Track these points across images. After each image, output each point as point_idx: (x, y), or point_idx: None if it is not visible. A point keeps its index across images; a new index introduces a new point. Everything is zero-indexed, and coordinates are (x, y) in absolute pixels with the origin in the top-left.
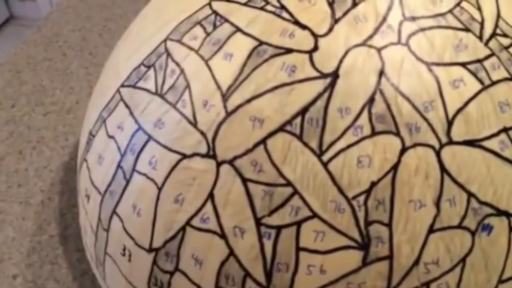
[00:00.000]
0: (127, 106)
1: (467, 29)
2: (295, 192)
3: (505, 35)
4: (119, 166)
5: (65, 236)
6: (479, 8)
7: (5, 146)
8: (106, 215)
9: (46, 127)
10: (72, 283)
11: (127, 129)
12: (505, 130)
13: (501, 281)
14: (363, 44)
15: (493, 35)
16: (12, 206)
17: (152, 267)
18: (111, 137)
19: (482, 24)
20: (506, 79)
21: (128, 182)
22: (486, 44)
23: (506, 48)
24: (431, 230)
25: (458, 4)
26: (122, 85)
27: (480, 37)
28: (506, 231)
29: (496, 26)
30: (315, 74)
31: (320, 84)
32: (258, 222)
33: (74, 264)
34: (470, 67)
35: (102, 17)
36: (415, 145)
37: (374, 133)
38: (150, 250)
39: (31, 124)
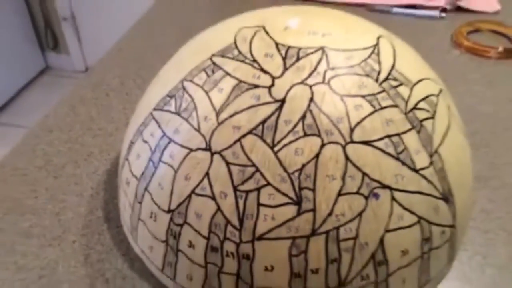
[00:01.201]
0: (157, 122)
1: (367, 75)
2: (257, 170)
3: (395, 79)
4: (150, 159)
5: (108, 217)
6: (379, 62)
7: (65, 158)
8: (141, 192)
9: (94, 145)
10: (113, 247)
11: (156, 136)
12: (388, 136)
13: (387, 230)
14: (301, 83)
15: (386, 79)
16: (71, 198)
17: (169, 222)
18: (146, 141)
19: (379, 72)
20: (391, 106)
21: (156, 169)
22: (380, 84)
23: (395, 87)
24: (339, 194)
25: (364, 60)
26: (154, 109)
27: (376, 80)
28: (389, 198)
29: (389, 73)
30: (271, 100)
31: (274, 106)
32: (235, 189)
33: (114, 235)
34: (367, 98)
35: (136, 67)
36: (330, 143)
37: (305, 135)
38: (168, 211)
39: (84, 143)
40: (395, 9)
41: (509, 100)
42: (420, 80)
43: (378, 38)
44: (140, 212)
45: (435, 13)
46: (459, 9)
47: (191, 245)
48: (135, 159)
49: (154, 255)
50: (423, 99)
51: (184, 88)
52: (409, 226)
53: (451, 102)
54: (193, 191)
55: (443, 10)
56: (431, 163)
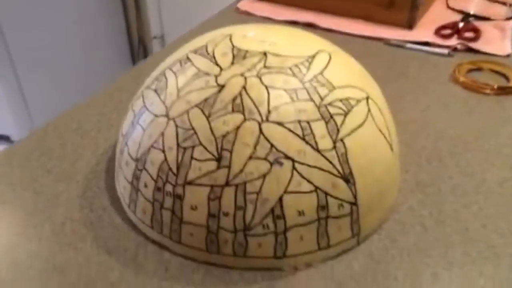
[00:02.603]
0: (143, 97)
1: (294, 75)
2: (195, 133)
3: (318, 81)
4: (132, 122)
5: (108, 188)
6: (308, 68)
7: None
8: (123, 146)
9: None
10: (110, 207)
11: (139, 106)
12: (298, 121)
13: (286, 192)
14: (240, 74)
15: (310, 80)
16: (81, 176)
17: (135, 168)
18: (133, 110)
19: (304, 75)
20: (307, 100)
21: (133, 129)
22: (303, 84)
23: (315, 87)
24: (250, 157)
25: (295, 65)
26: (145, 88)
27: (300, 80)
28: (290, 167)
29: (315, 77)
30: (215, 85)
31: (216, 89)
32: (178, 145)
33: (114, 198)
34: (288, 91)
35: None
36: (250, 119)
37: (232, 111)
38: (135, 160)
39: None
40: (409, 45)
41: (476, 128)
42: (345, 87)
43: (318, 51)
44: (121, 161)
45: (445, 51)
46: (469, 49)
47: (145, 185)
48: (124, 122)
49: (125, 194)
50: (340, 100)
51: (164, 74)
52: (306, 192)
53: (381, 110)
54: (151, 145)
55: (454, 49)
56: (334, 148)
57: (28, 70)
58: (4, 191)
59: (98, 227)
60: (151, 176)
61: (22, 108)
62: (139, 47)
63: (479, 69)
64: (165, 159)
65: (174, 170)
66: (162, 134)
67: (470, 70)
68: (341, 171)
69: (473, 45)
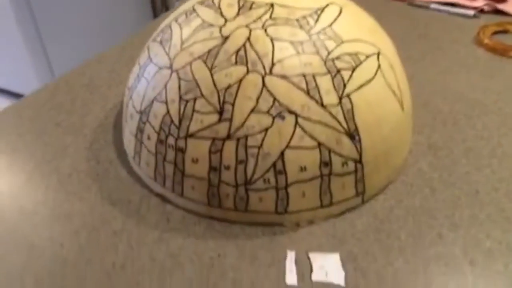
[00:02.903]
0: (148, 49)
1: (301, 28)
2: (197, 85)
3: (325, 34)
4: (137, 75)
5: (115, 142)
6: (316, 20)
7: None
8: (128, 100)
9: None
10: (116, 160)
11: (144, 59)
12: (303, 75)
13: (288, 147)
14: (245, 26)
15: (318, 33)
16: (89, 130)
17: (139, 121)
18: (139, 64)
19: (312, 27)
20: (313, 53)
21: (138, 82)
22: (310, 36)
23: (322, 40)
24: (252, 111)
25: (303, 17)
26: (151, 41)
27: (307, 32)
28: (293, 121)
29: (323, 30)
30: (219, 36)
31: (220, 40)
32: (180, 98)
33: (120, 151)
34: (294, 44)
35: None
36: (253, 72)
37: (236, 63)
38: (139, 112)
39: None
40: (433, 5)
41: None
42: (354, 41)
43: (328, 4)
44: (126, 115)
45: (471, 12)
46: (497, 11)
47: (149, 138)
48: (131, 75)
49: (130, 147)
50: (348, 54)
51: (170, 25)
52: (309, 148)
53: (393, 67)
54: (155, 98)
55: (480, 10)
56: (339, 103)
57: (51, 28)
58: (14, 141)
59: (104, 179)
60: (154, 129)
61: (45, 67)
62: (162, 3)
63: (504, 31)
64: (168, 111)
65: (176, 122)
66: (165, 86)
67: (495, 33)
68: (346, 127)
69: (501, 6)
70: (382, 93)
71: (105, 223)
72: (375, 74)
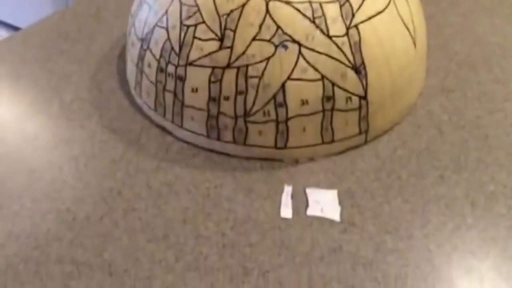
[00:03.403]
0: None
1: None
2: (198, 10)
3: None
4: (141, 1)
5: (119, 72)
6: None
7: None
8: (131, 27)
9: None
10: (119, 90)
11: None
12: (310, 2)
13: (289, 78)
14: None
15: None
16: (94, 60)
17: (140, 48)
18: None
19: None
20: None
21: (141, 7)
22: None
23: None
24: (254, 39)
25: None
26: None
27: None
28: (296, 51)
29: None
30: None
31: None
32: (181, 23)
33: (123, 82)
34: None
35: None
36: None
37: None
38: (140, 39)
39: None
40: None
41: None
42: None
43: None
44: (128, 43)
45: None
46: None
47: (149, 65)
48: (134, 2)
49: (131, 76)
50: None
51: None
52: (311, 80)
53: (410, 4)
54: (156, 24)
55: None
56: (346, 34)
57: None
58: (19, 68)
59: (105, 108)
60: (154, 56)
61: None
62: None
63: None
64: (168, 37)
65: (176, 49)
66: (167, 11)
67: None
68: (352, 60)
69: None
70: (393, 27)
71: (105, 151)
72: (387, 5)
